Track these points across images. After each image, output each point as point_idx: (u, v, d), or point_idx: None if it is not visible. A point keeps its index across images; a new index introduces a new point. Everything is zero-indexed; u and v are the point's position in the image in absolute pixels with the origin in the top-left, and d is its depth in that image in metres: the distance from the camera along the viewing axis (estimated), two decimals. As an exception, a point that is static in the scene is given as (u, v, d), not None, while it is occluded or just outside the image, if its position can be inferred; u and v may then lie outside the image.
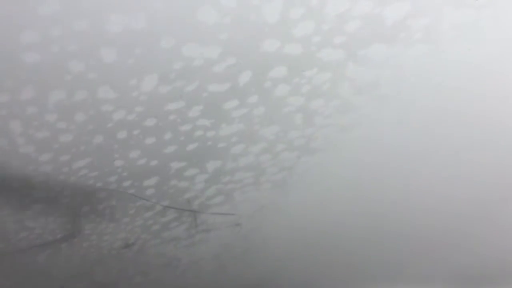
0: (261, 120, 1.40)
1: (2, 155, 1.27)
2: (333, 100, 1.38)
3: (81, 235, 1.73)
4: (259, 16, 1.06)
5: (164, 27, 1.04)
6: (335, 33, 1.16)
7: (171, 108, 1.27)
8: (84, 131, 1.27)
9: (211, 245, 2.03)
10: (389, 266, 2.54)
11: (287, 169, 1.65)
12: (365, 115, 1.47)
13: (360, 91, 1.37)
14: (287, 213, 1.91)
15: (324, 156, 1.62)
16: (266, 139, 1.49)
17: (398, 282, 2.73)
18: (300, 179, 1.72)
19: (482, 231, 2.21)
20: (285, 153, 1.58)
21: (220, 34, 1.09)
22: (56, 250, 1.78)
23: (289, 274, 2.49)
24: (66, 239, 1.73)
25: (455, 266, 2.57)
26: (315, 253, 2.29)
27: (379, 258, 2.43)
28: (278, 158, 1.59)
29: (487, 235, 2.25)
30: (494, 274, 2.69)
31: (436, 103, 1.47)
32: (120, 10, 0.98)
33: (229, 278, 2.39)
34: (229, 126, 1.40)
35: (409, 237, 2.24)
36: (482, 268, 2.60)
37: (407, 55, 1.27)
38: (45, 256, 1.80)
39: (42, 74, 1.07)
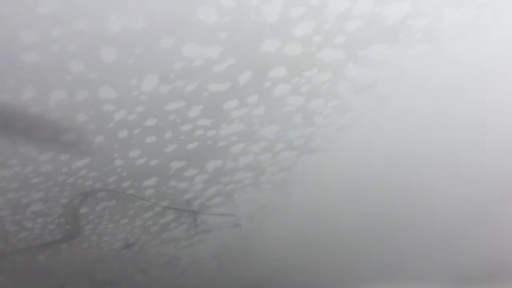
0: (261, 120, 1.40)
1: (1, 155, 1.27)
2: (333, 100, 1.39)
3: (81, 236, 1.73)
4: (259, 16, 1.07)
5: (164, 27, 1.04)
6: (335, 33, 1.16)
7: (171, 108, 1.28)
8: (85, 131, 1.27)
9: (211, 245, 2.03)
10: (389, 266, 2.54)
11: (287, 169, 1.65)
12: (365, 115, 1.47)
13: (360, 91, 1.37)
14: (287, 213, 1.91)
15: (323, 155, 1.62)
16: (266, 139, 1.49)
17: (398, 282, 2.73)
18: (300, 179, 1.72)
19: (482, 231, 2.21)
20: (285, 153, 1.58)
21: (220, 34, 1.09)
22: (56, 251, 1.78)
23: (289, 274, 2.49)
24: (66, 240, 1.73)
25: (455, 266, 2.57)
26: (315, 253, 2.29)
27: (379, 258, 2.43)
28: (278, 157, 1.59)
29: (487, 235, 2.25)
30: (494, 274, 2.68)
31: (436, 103, 1.47)
32: (120, 10, 0.98)
33: (229, 278, 2.39)
34: (229, 125, 1.40)
35: (409, 237, 2.24)
36: (482, 268, 2.60)
37: (407, 55, 1.27)
38: (45, 256, 1.80)
39: (42, 74, 1.07)
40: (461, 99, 1.47)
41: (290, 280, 2.56)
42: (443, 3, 1.14)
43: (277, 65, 1.22)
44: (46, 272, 1.91)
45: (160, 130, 1.34)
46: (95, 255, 1.88)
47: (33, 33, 0.98)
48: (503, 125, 1.61)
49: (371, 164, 1.70)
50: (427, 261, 2.51)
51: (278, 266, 2.37)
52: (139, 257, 1.98)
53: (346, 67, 1.27)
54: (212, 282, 2.39)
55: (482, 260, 2.52)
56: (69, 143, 1.29)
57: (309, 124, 1.46)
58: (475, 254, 2.42)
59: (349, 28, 1.15)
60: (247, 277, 2.43)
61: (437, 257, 2.48)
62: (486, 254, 2.45)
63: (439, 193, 1.92)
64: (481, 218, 2.11)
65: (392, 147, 1.64)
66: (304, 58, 1.21)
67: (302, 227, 2.03)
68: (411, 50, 1.25)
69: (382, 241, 2.25)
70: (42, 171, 1.36)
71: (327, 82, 1.31)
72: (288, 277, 2.52)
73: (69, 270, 1.94)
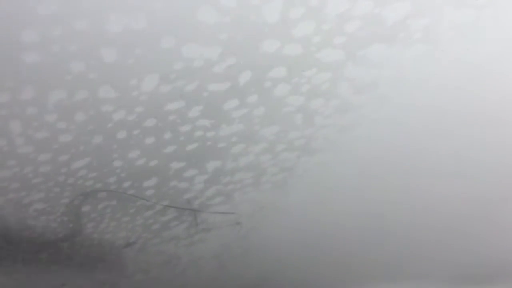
0: (261, 120, 1.40)
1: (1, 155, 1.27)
2: (333, 100, 1.39)
3: (83, 234, 1.73)
4: (259, 16, 1.07)
5: (164, 27, 1.04)
6: (335, 33, 1.16)
7: (171, 108, 1.28)
8: (84, 131, 1.27)
9: (211, 245, 2.03)
10: (389, 266, 2.54)
11: (287, 169, 1.65)
12: (365, 115, 1.47)
13: (360, 91, 1.37)
14: (287, 214, 1.91)
15: (324, 156, 1.62)
16: (266, 139, 1.49)
17: (398, 282, 2.73)
18: (300, 179, 1.72)
19: (482, 231, 2.21)
20: (285, 153, 1.58)
21: (220, 34, 1.09)
22: (57, 249, 1.78)
23: (289, 274, 2.49)
24: (68, 238, 1.73)
25: (455, 266, 2.57)
26: (315, 253, 2.29)
27: (379, 258, 2.43)
28: (278, 158, 1.59)
29: (487, 235, 2.25)
30: (494, 274, 2.68)
31: (436, 103, 1.47)
32: (120, 10, 0.98)
33: (229, 278, 2.39)
34: (229, 126, 1.40)
35: (409, 237, 2.24)
36: (482, 268, 2.60)
37: (407, 55, 1.27)
38: (47, 255, 1.81)
39: (42, 74, 1.07)
40: (461, 99, 1.47)
41: (290, 280, 2.56)
42: (443, 3, 1.14)
43: (277, 65, 1.22)
44: (47, 271, 1.92)
45: (160, 130, 1.34)
46: (96, 253, 1.88)
47: (33, 33, 0.98)
48: (503, 125, 1.61)
49: (372, 164, 1.70)
50: (427, 261, 2.51)
51: (278, 266, 2.37)
52: (140, 256, 1.98)
53: (346, 67, 1.27)
54: (212, 282, 2.39)
55: (482, 260, 2.52)
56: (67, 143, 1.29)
57: (310, 124, 1.46)
58: (475, 254, 2.42)
59: (349, 28, 1.15)
60: (247, 277, 2.43)
61: (437, 257, 2.48)
62: (486, 254, 2.45)
63: (439, 193, 1.91)
64: (481, 218, 2.11)
65: (393, 147, 1.64)
66: (304, 58, 1.21)
67: (302, 227, 2.03)
68: (410, 50, 1.25)
69: (382, 241, 2.25)
70: (41, 171, 1.37)
71: (327, 82, 1.31)
72: (288, 277, 2.52)
73: (70, 268, 1.95)
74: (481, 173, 1.82)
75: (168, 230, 1.86)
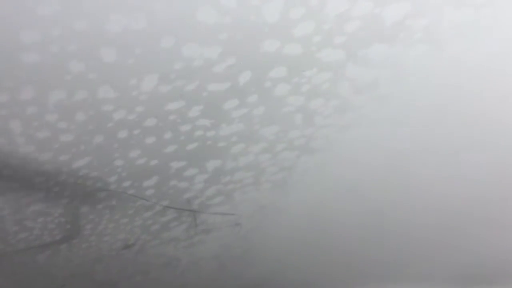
0: (261, 120, 1.40)
1: (1, 155, 1.27)
2: (333, 100, 1.39)
3: (81, 236, 1.73)
4: (259, 16, 1.07)
5: (164, 27, 1.04)
6: (335, 33, 1.16)
7: (171, 108, 1.28)
8: (84, 131, 1.27)
9: (211, 245, 2.03)
10: (389, 266, 2.54)
11: (287, 169, 1.65)
12: (365, 115, 1.47)
13: (360, 91, 1.37)
14: (287, 213, 1.91)
15: (324, 156, 1.62)
16: (266, 139, 1.49)
17: (398, 282, 2.73)
18: (300, 179, 1.72)
19: (482, 231, 2.21)
20: (285, 153, 1.58)
21: (220, 34, 1.09)
22: (55, 251, 1.78)
23: (289, 274, 2.49)
24: (66, 240, 1.73)
25: (455, 266, 2.57)
26: (315, 253, 2.29)
27: (379, 258, 2.43)
28: (278, 158, 1.59)
29: (487, 235, 2.25)
30: (494, 274, 2.69)
31: (436, 103, 1.47)
32: (120, 10, 0.98)
33: (229, 278, 2.39)
34: (229, 126, 1.40)
35: (409, 237, 2.24)
36: (482, 268, 2.60)
37: (407, 55, 1.27)
38: (45, 256, 1.80)
39: (42, 74, 1.07)
40: (461, 99, 1.47)
41: (290, 280, 2.56)
42: (443, 3, 1.14)
43: (277, 65, 1.22)
44: (46, 272, 1.91)
45: (160, 130, 1.34)
46: (95, 255, 1.88)
47: (33, 33, 0.98)
48: (503, 124, 1.61)
49: (371, 164, 1.70)
50: (427, 261, 2.52)
51: (278, 266, 2.37)
52: (139, 257, 1.98)
53: (346, 67, 1.27)
54: (212, 282, 2.39)
55: (482, 260, 2.52)
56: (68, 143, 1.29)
57: (309, 124, 1.46)
58: (475, 254, 2.43)
59: (349, 28, 1.15)
60: (247, 277, 2.43)
61: (437, 257, 2.48)
62: (486, 254, 2.45)
63: (439, 193, 1.92)
64: (481, 218, 2.11)
65: (392, 147, 1.64)
66: (304, 58, 1.21)
67: (302, 227, 2.03)
68: (411, 50, 1.25)
69: (382, 241, 2.25)
70: (42, 170, 1.36)
71: (327, 82, 1.31)
72: (288, 277, 2.52)
73: (69, 270, 1.94)
74: (481, 173, 1.82)
75: (167, 231, 1.85)
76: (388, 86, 1.37)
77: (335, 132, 1.52)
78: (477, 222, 2.15)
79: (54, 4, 0.94)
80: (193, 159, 1.50)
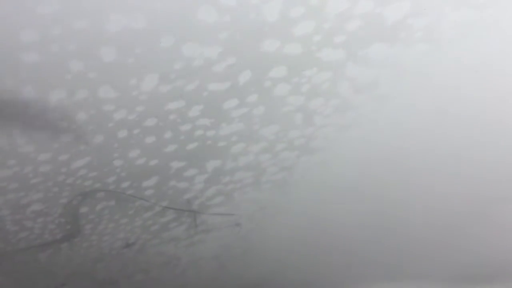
0: (261, 119, 1.40)
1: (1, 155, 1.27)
2: (333, 99, 1.38)
3: (81, 235, 1.73)
4: (259, 15, 1.06)
5: (164, 26, 1.04)
6: (335, 33, 1.15)
7: (171, 108, 1.27)
8: (84, 131, 1.27)
9: (210, 245, 2.03)
10: (389, 266, 2.54)
11: (287, 168, 1.65)
12: (365, 115, 1.47)
13: (360, 90, 1.37)
14: (287, 213, 1.91)
15: (324, 155, 1.62)
16: (266, 139, 1.49)
17: (398, 282, 2.73)
18: (300, 178, 1.72)
19: (482, 230, 2.21)
20: (285, 153, 1.57)
21: (220, 33, 1.09)
22: (56, 250, 1.78)
23: (289, 274, 2.49)
24: (66, 239, 1.73)
25: (455, 266, 2.57)
26: (315, 253, 2.29)
27: (379, 258, 2.43)
28: (278, 157, 1.59)
29: (487, 234, 2.25)
30: (494, 274, 2.68)
31: (436, 102, 1.47)
32: (120, 10, 0.98)
33: (229, 278, 2.39)
34: (229, 125, 1.40)
35: (409, 237, 2.24)
36: (482, 268, 2.59)
37: (407, 54, 1.26)
38: (46, 256, 1.80)
39: (42, 73, 1.07)
40: (461, 98, 1.47)
41: (290, 280, 2.56)
42: (443, 3, 1.14)
43: (277, 65, 1.22)
44: (46, 271, 1.91)
45: (160, 130, 1.34)
46: (95, 254, 1.88)
47: (33, 32, 0.98)
48: (503, 124, 1.61)
49: (371, 163, 1.70)
50: (427, 261, 2.51)
51: (278, 266, 2.37)
52: (139, 256, 1.98)
53: (346, 66, 1.27)
54: (212, 282, 2.39)
55: (482, 260, 2.52)
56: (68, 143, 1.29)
57: (309, 124, 1.46)
58: (475, 254, 2.42)
59: (349, 28, 1.15)
60: (247, 277, 2.43)
61: (437, 257, 2.48)
62: (486, 254, 2.45)
63: (439, 193, 1.91)
64: (481, 217, 2.11)
65: (392, 147, 1.64)
66: (304, 58, 1.21)
67: (302, 227, 2.03)
68: (411, 50, 1.25)
69: (382, 241, 2.25)
70: (41, 171, 1.36)
71: (327, 82, 1.31)
72: (288, 277, 2.52)
73: (69, 269, 1.94)
74: (481, 172, 1.82)
75: (167, 231, 1.85)
76: (388, 86, 1.37)
77: (335, 131, 1.52)
78: (477, 222, 2.14)
79: (54, 4, 0.94)
80: (193, 159, 1.50)
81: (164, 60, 1.12)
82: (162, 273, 2.18)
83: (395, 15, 1.14)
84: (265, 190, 1.74)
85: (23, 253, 1.74)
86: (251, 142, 1.49)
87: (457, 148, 1.68)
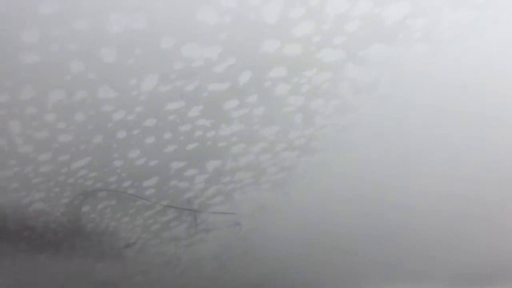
0: (261, 120, 1.40)
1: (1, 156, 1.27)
2: (333, 100, 1.39)
3: (82, 235, 1.73)
4: (259, 16, 1.07)
5: (164, 27, 1.04)
6: (335, 33, 1.16)
7: (171, 108, 1.28)
8: (84, 131, 1.27)
9: (211, 245, 2.03)
10: (389, 266, 2.54)
11: (287, 169, 1.65)
12: (365, 115, 1.47)
13: (360, 91, 1.37)
14: (287, 213, 1.91)
15: (324, 156, 1.62)
16: (266, 139, 1.49)
17: (398, 282, 2.73)
18: (300, 179, 1.72)
19: (482, 231, 2.21)
20: (285, 153, 1.58)
21: (220, 34, 1.09)
22: (56, 250, 1.78)
23: (289, 274, 2.49)
24: (67, 239, 1.73)
25: (455, 266, 2.57)
26: (315, 253, 2.29)
27: (379, 258, 2.43)
28: (278, 158, 1.59)
29: (487, 235, 2.25)
30: (494, 274, 2.69)
31: (436, 103, 1.47)
32: (120, 10, 0.98)
33: (229, 278, 2.39)
34: (229, 126, 1.40)
35: (409, 237, 2.24)
36: (482, 268, 2.60)
37: (406, 55, 1.27)
38: (46, 256, 1.80)
39: (42, 74, 1.07)
40: (461, 99, 1.47)
41: (290, 280, 2.56)
42: (443, 3, 1.14)
43: (277, 65, 1.22)
44: (47, 271, 1.91)
45: (160, 130, 1.34)
46: (96, 254, 1.88)
47: (33, 32, 0.98)
48: (503, 125, 1.61)
49: (371, 164, 1.70)
50: (427, 261, 2.52)
51: (278, 266, 2.37)
52: (140, 256, 1.98)
53: (346, 67, 1.27)
54: (212, 282, 2.39)
55: (482, 260, 2.52)
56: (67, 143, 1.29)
57: (310, 124, 1.46)
58: (475, 254, 2.43)
59: (349, 28, 1.15)
60: (247, 277, 2.43)
61: (437, 257, 2.48)
62: (486, 254, 2.45)
63: (439, 193, 1.92)
64: (481, 218, 2.11)
65: (392, 147, 1.64)
66: (304, 58, 1.21)
67: (302, 227, 2.03)
68: (410, 50, 1.25)
69: (382, 241, 2.25)
70: (41, 171, 1.37)
71: (327, 82, 1.31)
72: (288, 277, 2.52)
73: (69, 270, 1.94)
74: (481, 173, 1.82)
75: (168, 231, 1.86)
76: (388, 86, 1.37)
77: (335, 132, 1.52)
78: (477, 222, 2.15)
79: (54, 4, 0.94)
80: (193, 159, 1.50)
81: (164, 60, 1.12)
82: (162, 274, 2.18)
83: (394, 15, 1.14)
84: (265, 190, 1.75)
85: (23, 254, 1.74)
86: (251, 143, 1.49)
87: (457, 148, 1.69)
